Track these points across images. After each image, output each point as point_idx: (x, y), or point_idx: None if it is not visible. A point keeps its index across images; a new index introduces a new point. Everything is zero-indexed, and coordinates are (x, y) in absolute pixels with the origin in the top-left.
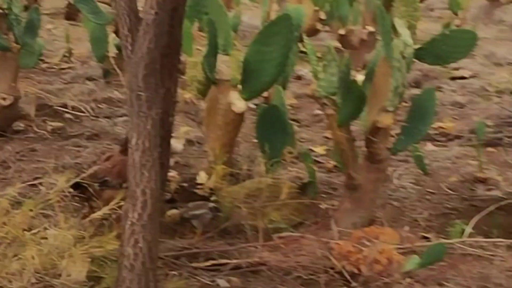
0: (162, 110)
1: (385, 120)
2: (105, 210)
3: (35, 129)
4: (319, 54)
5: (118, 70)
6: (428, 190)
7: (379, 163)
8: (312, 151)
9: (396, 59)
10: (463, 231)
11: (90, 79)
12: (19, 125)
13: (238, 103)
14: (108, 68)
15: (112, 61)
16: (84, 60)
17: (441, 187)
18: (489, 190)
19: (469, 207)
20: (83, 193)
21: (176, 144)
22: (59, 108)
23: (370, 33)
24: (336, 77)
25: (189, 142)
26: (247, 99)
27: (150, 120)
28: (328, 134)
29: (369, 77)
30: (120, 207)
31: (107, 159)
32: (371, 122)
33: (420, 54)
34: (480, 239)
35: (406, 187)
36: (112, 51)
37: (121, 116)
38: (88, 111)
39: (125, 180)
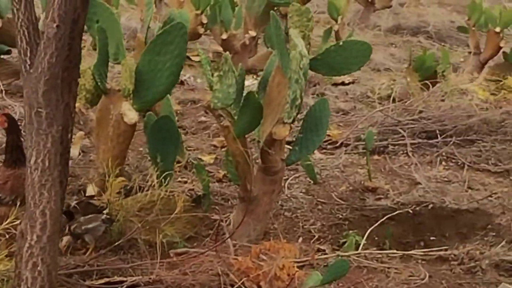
0: (62, 127)
1: (282, 132)
2: None
3: None
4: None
5: None
6: (319, 200)
7: (274, 174)
8: (201, 160)
9: (294, 71)
10: (357, 242)
11: None
12: None
13: (130, 114)
14: None
15: None
16: None
17: (332, 197)
18: (378, 199)
19: (360, 217)
20: None
21: (73, 150)
22: None
23: (252, 37)
24: (233, 89)
25: (84, 152)
26: (139, 109)
27: (50, 138)
28: (216, 142)
29: (263, 87)
30: (13, 225)
31: None
32: (266, 133)
33: (315, 64)
34: (375, 251)
35: (297, 197)
36: None
37: None
38: None
39: (18, 196)
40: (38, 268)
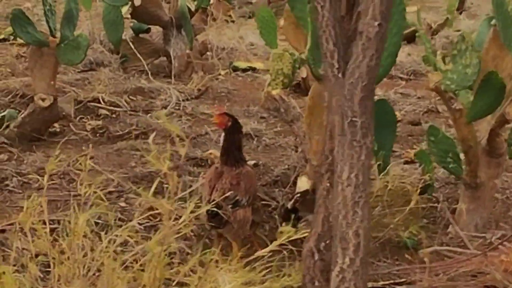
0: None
1: None
2: (272, 246)
3: (74, 130)
4: None
5: (138, 55)
6: None
7: (499, 157)
8: None
9: None
10: None
11: (103, 65)
12: (54, 126)
13: None
14: (126, 54)
15: (131, 45)
16: None
17: None
18: None
19: None
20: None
21: None
22: (92, 103)
23: None
24: (475, 69)
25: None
26: None
27: (365, 149)
28: None
29: None
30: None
31: (220, 174)
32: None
33: None
34: None
35: None
36: (128, 35)
37: (160, 109)
38: (124, 105)
39: (250, 196)
40: None
